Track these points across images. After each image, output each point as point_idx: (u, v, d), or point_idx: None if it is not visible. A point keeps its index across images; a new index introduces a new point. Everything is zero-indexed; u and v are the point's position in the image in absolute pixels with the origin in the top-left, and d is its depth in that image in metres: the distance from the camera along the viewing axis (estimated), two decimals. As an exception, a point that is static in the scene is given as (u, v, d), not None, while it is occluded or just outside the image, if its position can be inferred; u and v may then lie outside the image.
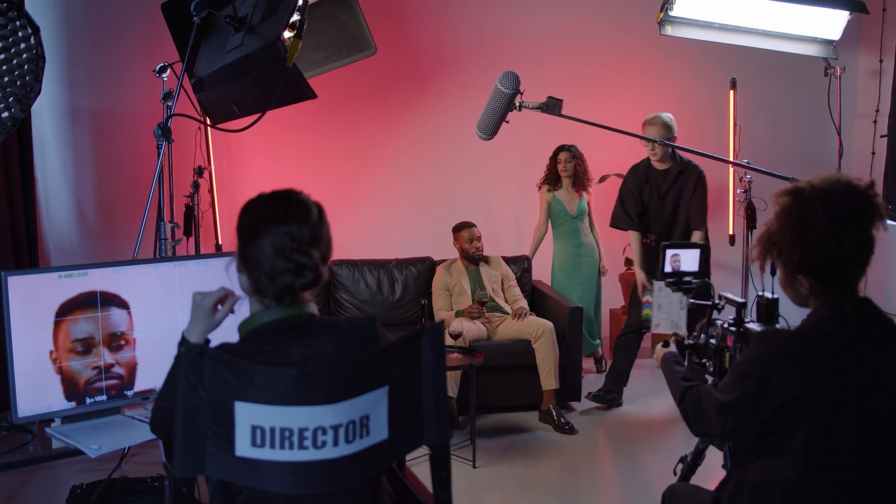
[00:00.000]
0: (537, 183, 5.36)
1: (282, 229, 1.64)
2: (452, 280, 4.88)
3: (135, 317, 2.53)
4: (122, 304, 2.50)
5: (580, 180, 5.21)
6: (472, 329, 4.58)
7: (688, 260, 2.38)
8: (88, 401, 2.47)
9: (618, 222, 4.75)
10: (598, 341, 5.36)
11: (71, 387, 2.45)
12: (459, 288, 4.85)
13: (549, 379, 4.44)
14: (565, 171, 5.18)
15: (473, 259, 4.90)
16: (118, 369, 2.51)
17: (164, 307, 2.57)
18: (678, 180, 4.56)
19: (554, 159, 5.25)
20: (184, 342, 1.77)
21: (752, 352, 1.75)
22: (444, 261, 5.09)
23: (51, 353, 2.40)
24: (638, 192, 4.62)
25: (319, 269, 1.66)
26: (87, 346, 2.45)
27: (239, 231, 1.69)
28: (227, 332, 1.78)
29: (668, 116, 4.56)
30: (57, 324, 2.40)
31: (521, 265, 5.21)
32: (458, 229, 4.95)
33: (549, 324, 4.56)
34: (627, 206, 4.66)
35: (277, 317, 1.66)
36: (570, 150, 5.19)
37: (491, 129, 3.87)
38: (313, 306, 1.73)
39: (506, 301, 4.91)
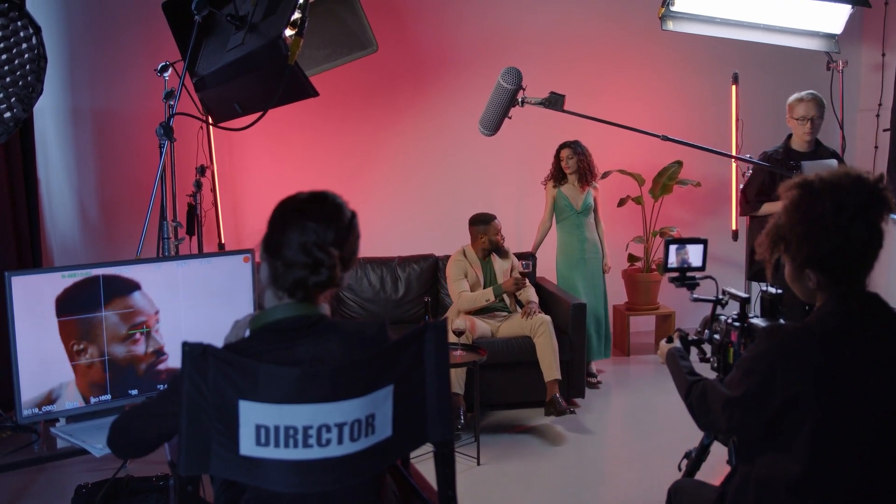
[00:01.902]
0: (542, 181, 5.34)
1: (309, 224, 1.65)
2: (470, 268, 4.85)
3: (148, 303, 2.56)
4: (136, 286, 2.52)
5: (585, 175, 5.19)
6: (477, 328, 4.58)
7: (694, 254, 2.37)
8: (93, 401, 2.47)
9: (744, 210, 4.34)
10: (603, 351, 5.25)
11: (124, 376, 2.47)
12: (475, 279, 4.83)
13: (549, 370, 4.44)
14: (568, 167, 5.15)
15: (490, 251, 4.88)
16: (167, 349, 2.56)
17: (168, 306, 2.57)
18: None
19: (557, 157, 5.23)
20: None
21: (758, 348, 1.75)
22: (447, 256, 5.08)
23: (72, 346, 2.39)
24: (772, 178, 4.11)
25: (336, 269, 1.65)
26: (143, 328, 2.50)
27: (269, 220, 1.70)
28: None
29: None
30: (78, 319, 2.39)
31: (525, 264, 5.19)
32: (486, 221, 4.86)
33: (547, 317, 4.56)
34: (749, 192, 4.22)
35: (289, 315, 1.66)
36: (571, 147, 5.16)
37: (494, 124, 3.86)
38: (326, 307, 1.72)
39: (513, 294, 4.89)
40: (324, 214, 1.68)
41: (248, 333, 1.72)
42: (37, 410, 2.39)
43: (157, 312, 2.52)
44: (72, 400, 2.44)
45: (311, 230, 1.64)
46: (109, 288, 2.44)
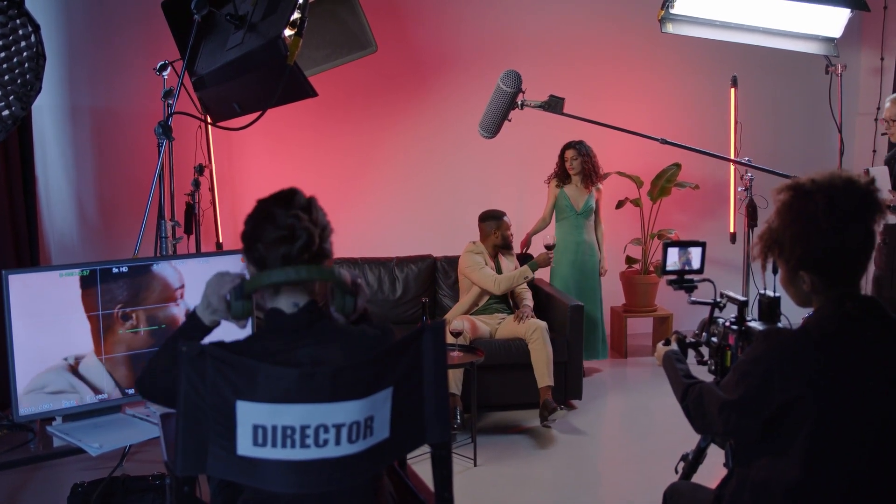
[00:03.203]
0: (545, 179, 5.33)
1: (273, 211, 1.69)
2: (488, 258, 4.82)
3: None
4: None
5: (589, 176, 5.18)
6: (476, 327, 4.58)
7: (692, 256, 2.37)
8: (89, 399, 2.47)
9: None
10: (600, 352, 5.26)
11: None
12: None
13: (542, 377, 4.42)
14: (573, 168, 5.14)
15: (500, 246, 4.87)
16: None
17: (167, 305, 2.57)
18: None
19: (562, 157, 5.21)
20: (192, 318, 1.77)
21: (755, 351, 1.75)
22: (445, 256, 5.06)
23: (118, 314, 2.47)
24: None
25: (313, 232, 1.68)
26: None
27: (242, 236, 1.74)
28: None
29: None
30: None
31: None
32: (498, 217, 4.86)
33: (542, 323, 4.54)
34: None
35: (285, 279, 1.66)
36: (575, 148, 5.15)
37: (493, 127, 3.87)
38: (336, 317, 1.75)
39: (512, 291, 4.89)
40: (283, 200, 1.72)
41: (229, 296, 1.71)
42: (33, 409, 2.38)
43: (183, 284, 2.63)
44: (95, 378, 2.48)
45: (277, 214, 1.68)
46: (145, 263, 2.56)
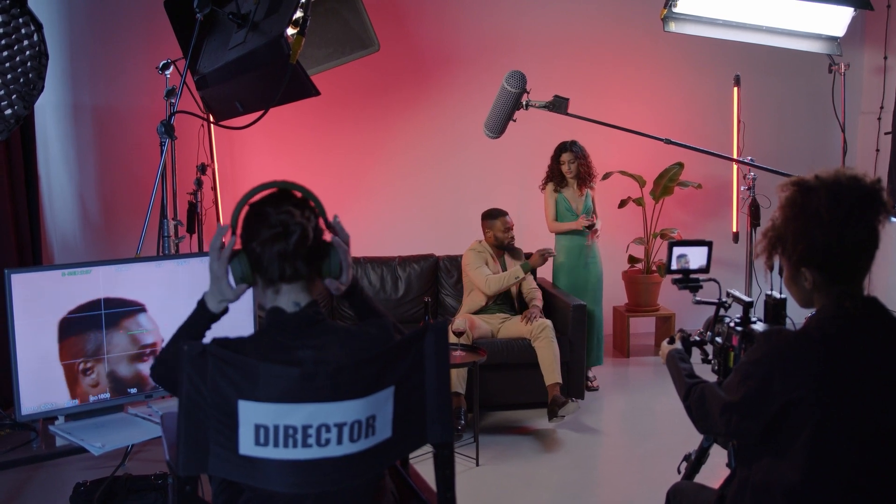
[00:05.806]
0: (540, 184, 5.23)
1: (265, 210, 1.69)
2: (489, 258, 4.82)
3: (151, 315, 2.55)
4: (141, 308, 2.55)
5: (585, 179, 5.10)
6: (478, 327, 4.58)
7: (696, 257, 2.36)
8: (92, 399, 2.47)
9: None
10: (595, 357, 5.18)
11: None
12: (495, 270, 4.80)
13: (550, 374, 4.41)
14: (570, 172, 5.01)
15: (504, 247, 4.87)
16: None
17: (168, 304, 2.56)
18: None
19: (557, 160, 5.07)
20: (201, 306, 1.77)
21: (757, 352, 1.74)
22: (448, 256, 5.06)
23: (77, 367, 2.44)
24: None
25: (307, 226, 1.67)
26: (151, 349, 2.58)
27: (240, 236, 1.73)
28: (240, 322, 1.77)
29: None
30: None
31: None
32: (493, 216, 4.85)
33: (548, 322, 4.54)
34: None
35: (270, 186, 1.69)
36: (572, 151, 5.00)
37: (499, 127, 3.86)
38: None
39: (520, 291, 4.88)
40: (273, 200, 1.72)
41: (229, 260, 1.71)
42: (35, 408, 2.38)
43: (162, 340, 2.56)
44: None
45: (268, 213, 1.68)
46: (116, 309, 2.49)
